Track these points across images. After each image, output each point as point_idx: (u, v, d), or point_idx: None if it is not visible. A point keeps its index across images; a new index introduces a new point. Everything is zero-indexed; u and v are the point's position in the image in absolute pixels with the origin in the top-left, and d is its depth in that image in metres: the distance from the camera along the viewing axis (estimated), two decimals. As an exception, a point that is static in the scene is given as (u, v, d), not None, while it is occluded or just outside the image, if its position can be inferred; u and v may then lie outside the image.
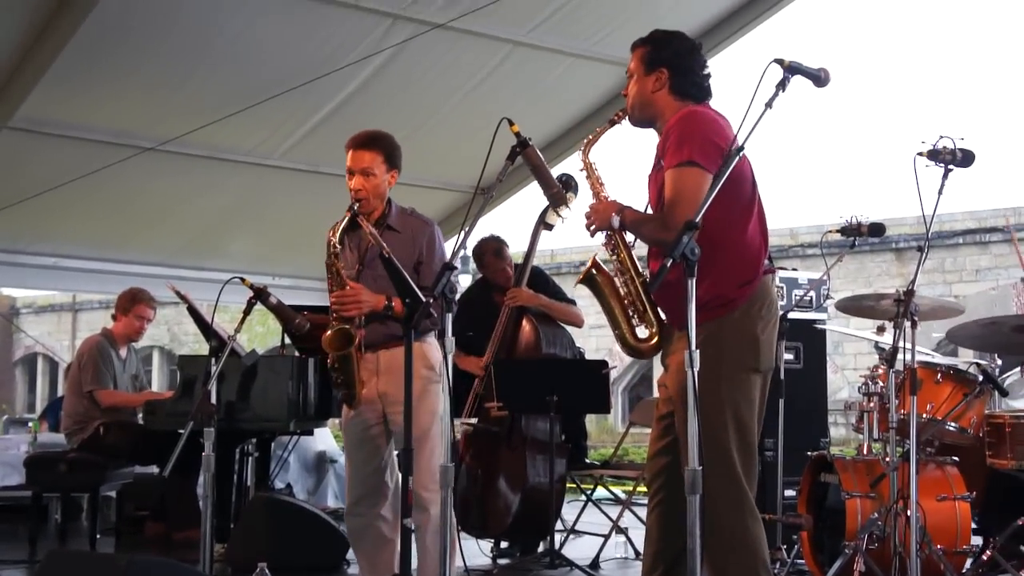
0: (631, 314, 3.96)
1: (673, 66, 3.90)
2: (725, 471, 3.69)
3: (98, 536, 7.16)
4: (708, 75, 3.99)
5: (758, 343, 3.81)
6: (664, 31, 4.01)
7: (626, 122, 4.05)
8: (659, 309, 3.95)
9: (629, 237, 3.96)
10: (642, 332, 3.96)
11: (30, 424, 10.10)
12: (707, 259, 3.31)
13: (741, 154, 3.52)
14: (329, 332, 4.66)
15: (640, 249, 3.97)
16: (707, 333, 3.57)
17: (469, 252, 7.34)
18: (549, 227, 6.59)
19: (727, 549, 3.70)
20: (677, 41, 3.98)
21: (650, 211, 3.89)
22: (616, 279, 3.99)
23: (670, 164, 3.73)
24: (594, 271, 3.99)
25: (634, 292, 3.94)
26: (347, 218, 4.77)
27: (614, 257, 3.98)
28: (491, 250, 6.95)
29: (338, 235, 4.77)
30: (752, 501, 3.78)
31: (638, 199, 3.95)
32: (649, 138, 3.97)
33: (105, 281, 9.01)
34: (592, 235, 3.94)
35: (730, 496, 3.71)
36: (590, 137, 4.08)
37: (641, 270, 3.97)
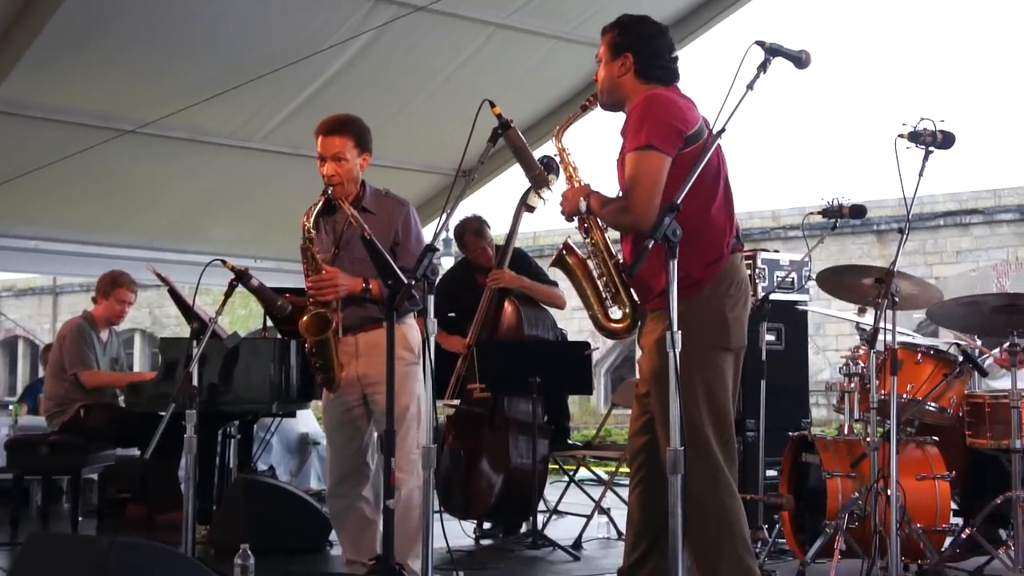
0: (605, 296, 3.98)
1: (638, 50, 3.94)
2: (699, 449, 3.70)
3: (80, 519, 7.15)
4: (675, 58, 4.02)
5: (727, 321, 3.85)
6: (630, 16, 4.05)
7: (598, 107, 4.08)
8: (632, 290, 3.97)
9: None
10: (616, 313, 3.99)
11: (10, 407, 10.05)
12: None
13: (704, 137, 3.58)
14: (306, 317, 4.67)
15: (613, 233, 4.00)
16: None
17: (451, 234, 7.34)
18: (531, 209, 6.59)
19: (704, 527, 3.72)
20: (642, 25, 4.02)
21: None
22: (589, 261, 4.01)
23: (629, 148, 3.78)
24: (565, 253, 4.01)
25: (607, 274, 3.97)
26: (321, 202, 4.78)
27: (588, 239, 4.00)
28: (471, 229, 6.95)
29: (312, 219, 4.77)
30: (729, 478, 3.80)
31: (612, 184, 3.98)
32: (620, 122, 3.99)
33: (86, 264, 8.96)
34: (568, 220, 3.98)
35: (705, 474, 3.72)
36: (563, 122, 4.11)
37: (615, 252, 3.99)
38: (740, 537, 3.79)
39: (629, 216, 3.72)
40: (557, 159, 4.08)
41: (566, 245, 4.03)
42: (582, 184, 3.98)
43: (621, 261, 3.97)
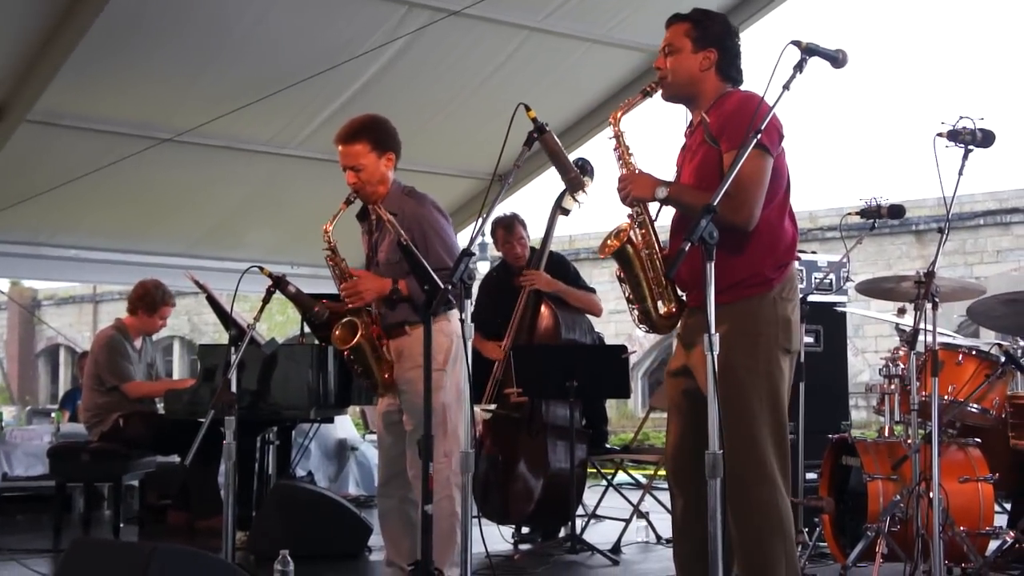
0: (655, 289, 3.92)
1: (723, 47, 3.92)
2: (751, 450, 3.67)
3: (121, 525, 7.21)
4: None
5: (790, 324, 3.82)
6: (707, 11, 4.02)
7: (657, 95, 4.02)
8: (678, 287, 3.91)
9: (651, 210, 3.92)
10: (661, 307, 3.92)
11: (53, 415, 10.14)
12: (745, 236, 3.56)
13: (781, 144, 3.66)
14: (336, 331, 4.68)
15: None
16: (745, 310, 3.67)
17: (488, 239, 7.34)
18: (566, 212, 6.59)
19: (756, 524, 3.68)
20: (725, 23, 4.01)
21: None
22: (642, 252, 3.94)
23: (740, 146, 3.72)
24: (628, 244, 3.92)
25: (658, 268, 3.90)
26: (343, 210, 4.79)
27: (640, 231, 3.93)
28: (502, 224, 6.94)
29: (333, 226, 4.78)
30: (778, 478, 3.72)
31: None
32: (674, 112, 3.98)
33: (125, 272, 9.03)
34: (629, 204, 3.89)
35: (756, 472, 3.68)
36: (622, 106, 4.01)
37: (663, 245, 3.95)
38: (791, 540, 3.75)
39: (741, 214, 3.65)
40: (613, 143, 4.01)
41: (628, 237, 3.94)
42: (641, 171, 3.91)
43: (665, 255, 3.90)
